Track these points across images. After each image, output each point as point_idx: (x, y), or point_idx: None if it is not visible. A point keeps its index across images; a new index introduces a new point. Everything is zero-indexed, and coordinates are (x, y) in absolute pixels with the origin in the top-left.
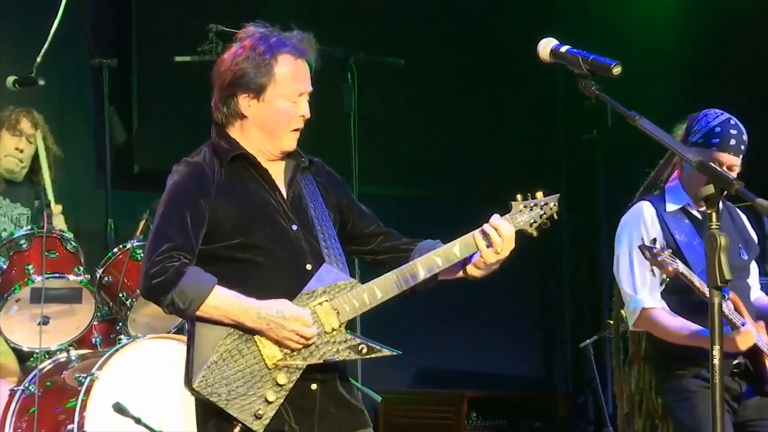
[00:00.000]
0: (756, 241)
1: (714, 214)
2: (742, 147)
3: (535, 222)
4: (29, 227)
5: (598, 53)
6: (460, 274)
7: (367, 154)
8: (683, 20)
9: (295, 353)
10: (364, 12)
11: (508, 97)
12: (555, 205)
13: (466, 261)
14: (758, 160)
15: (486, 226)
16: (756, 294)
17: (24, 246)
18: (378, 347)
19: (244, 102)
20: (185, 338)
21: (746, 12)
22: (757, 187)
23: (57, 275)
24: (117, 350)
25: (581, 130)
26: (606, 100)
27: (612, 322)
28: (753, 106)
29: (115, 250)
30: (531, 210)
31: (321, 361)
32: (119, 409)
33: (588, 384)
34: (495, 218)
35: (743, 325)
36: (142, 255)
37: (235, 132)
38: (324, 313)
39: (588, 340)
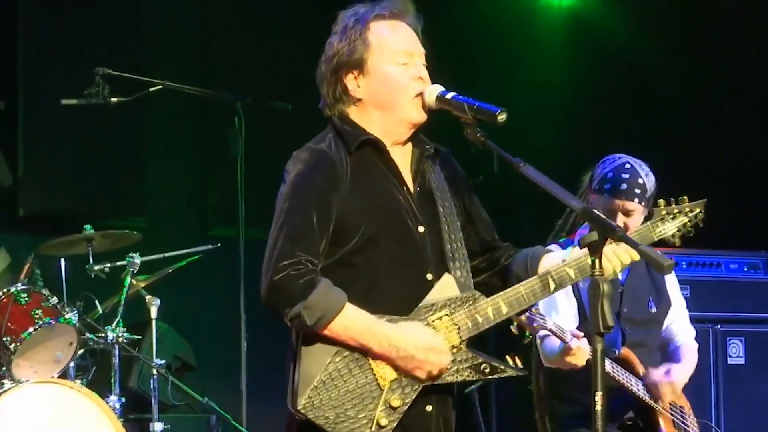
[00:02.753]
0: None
1: (597, 261)
2: (636, 190)
3: (678, 231)
4: None
5: (483, 99)
6: None
7: (253, 198)
8: (568, 66)
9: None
10: (251, 56)
11: None
12: (701, 212)
13: None
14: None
15: (610, 254)
16: (680, 341)
17: None
18: (502, 366)
19: (352, 83)
20: (69, 383)
21: (632, 55)
22: None
23: None
24: None
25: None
26: (491, 147)
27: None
28: (640, 148)
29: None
30: (674, 218)
31: (439, 382)
32: None
33: (473, 430)
34: (622, 247)
35: (572, 340)
36: (26, 299)
37: (355, 117)
38: (444, 329)
39: (473, 386)
